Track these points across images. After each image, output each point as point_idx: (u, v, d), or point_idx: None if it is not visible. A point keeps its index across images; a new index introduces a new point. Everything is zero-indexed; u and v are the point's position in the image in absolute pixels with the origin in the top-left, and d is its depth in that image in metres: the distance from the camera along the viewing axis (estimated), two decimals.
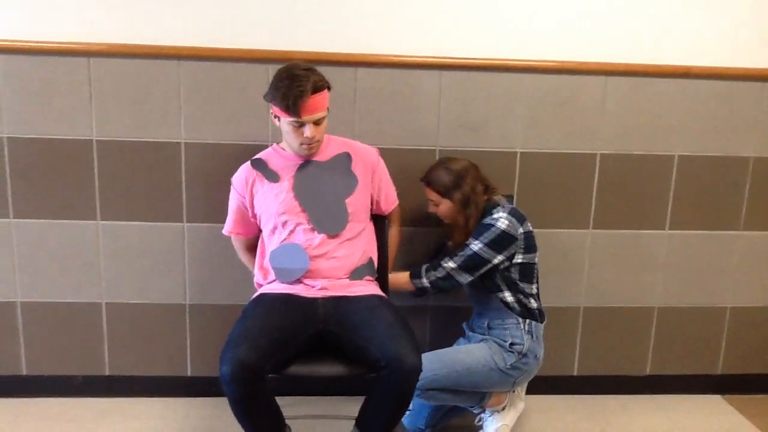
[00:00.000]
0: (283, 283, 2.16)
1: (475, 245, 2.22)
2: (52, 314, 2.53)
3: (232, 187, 2.25)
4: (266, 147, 2.28)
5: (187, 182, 2.43)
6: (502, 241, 2.20)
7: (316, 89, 2.02)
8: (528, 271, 2.27)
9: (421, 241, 2.55)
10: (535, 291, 2.30)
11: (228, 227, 2.29)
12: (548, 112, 2.48)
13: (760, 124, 2.56)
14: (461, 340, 2.43)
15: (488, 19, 2.39)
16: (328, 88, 2.09)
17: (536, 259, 2.29)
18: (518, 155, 2.50)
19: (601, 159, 2.53)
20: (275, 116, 2.10)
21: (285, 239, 2.16)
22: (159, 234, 2.47)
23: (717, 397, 2.80)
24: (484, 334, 2.32)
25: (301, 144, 2.11)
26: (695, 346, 2.77)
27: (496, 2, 2.38)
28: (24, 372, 2.58)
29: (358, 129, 2.43)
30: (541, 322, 2.30)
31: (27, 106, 2.33)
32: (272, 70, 2.31)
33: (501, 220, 2.21)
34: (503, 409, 2.40)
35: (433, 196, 2.30)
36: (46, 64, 2.30)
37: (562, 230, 2.59)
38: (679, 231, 2.63)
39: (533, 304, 2.28)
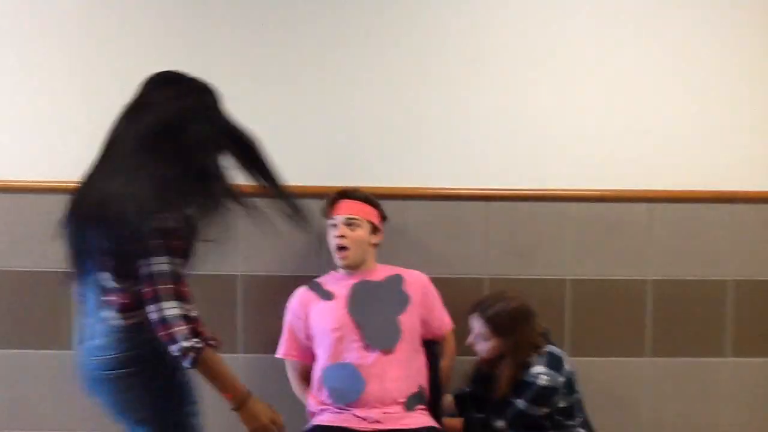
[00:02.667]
0: (336, 409, 2.14)
1: (520, 404, 2.11)
2: None
3: (287, 310, 2.30)
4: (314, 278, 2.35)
5: (243, 313, 2.49)
6: (545, 395, 2.10)
7: (355, 197, 2.27)
8: (570, 410, 2.17)
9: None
10: (577, 423, 2.19)
11: (281, 349, 2.31)
12: (594, 238, 2.50)
13: None
14: None
15: (535, 149, 2.49)
16: (380, 212, 2.30)
17: (579, 396, 2.19)
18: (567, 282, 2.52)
19: (654, 284, 2.52)
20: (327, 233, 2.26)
21: (338, 357, 2.16)
22: None
23: None
24: None
25: (334, 247, 2.23)
26: None
27: (544, 133, 2.49)
28: None
29: (408, 259, 2.46)
30: None
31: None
32: (320, 203, 2.42)
33: (541, 377, 2.10)
34: None
35: (483, 329, 2.19)
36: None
37: (616, 358, 2.53)
38: (741, 358, 2.55)
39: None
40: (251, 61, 2.46)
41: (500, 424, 2.13)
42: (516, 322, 2.14)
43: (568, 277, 2.51)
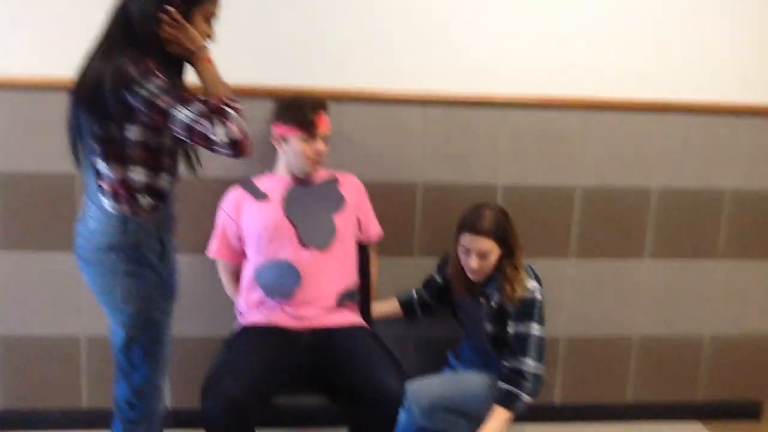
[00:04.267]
0: (266, 309, 2.16)
1: (536, 330, 2.13)
2: (30, 347, 2.50)
3: (220, 209, 2.26)
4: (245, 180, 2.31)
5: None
6: (543, 312, 2.17)
7: (325, 107, 2.19)
8: None
9: (400, 272, 2.55)
10: None
11: (212, 250, 2.29)
12: (531, 145, 2.51)
13: (736, 157, 2.61)
14: (446, 370, 2.42)
15: (470, 55, 2.43)
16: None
17: None
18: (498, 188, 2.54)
19: (583, 192, 2.57)
20: (281, 138, 2.17)
21: (272, 255, 2.16)
22: None
23: (698, 425, 2.82)
24: (477, 368, 2.30)
25: (308, 158, 2.16)
26: (675, 374, 2.79)
27: (478, 39, 2.43)
28: (1, 407, 2.54)
29: (342, 161, 2.42)
30: None
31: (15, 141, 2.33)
32: (257, 106, 2.33)
33: (537, 292, 2.15)
34: None
35: (486, 244, 2.12)
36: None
37: (542, 260, 2.61)
38: (657, 260, 2.67)
39: None
40: None
41: (531, 364, 2.11)
42: (510, 223, 2.16)
43: (500, 183, 2.53)
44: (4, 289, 2.44)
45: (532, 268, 2.23)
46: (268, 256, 2.17)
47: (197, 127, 1.58)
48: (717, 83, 2.54)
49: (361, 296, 2.33)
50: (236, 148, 1.61)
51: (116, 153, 1.66)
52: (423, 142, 2.46)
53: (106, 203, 1.69)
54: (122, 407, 1.85)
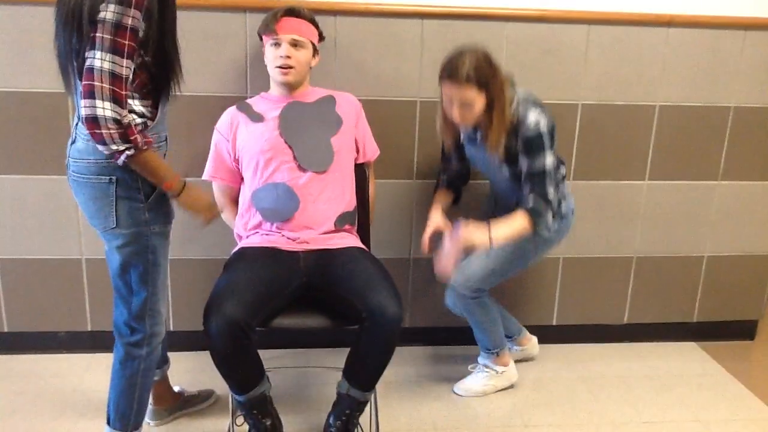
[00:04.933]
0: (264, 232, 2.16)
1: (549, 162, 2.02)
2: (32, 271, 2.51)
3: (215, 131, 2.23)
4: (242, 99, 2.27)
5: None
6: (553, 136, 2.03)
7: (296, 14, 2.14)
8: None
9: (401, 194, 2.54)
10: (563, 170, 2.24)
11: (208, 172, 2.27)
12: (531, 60, 2.45)
13: (742, 74, 2.56)
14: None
15: None
16: (320, 32, 2.20)
17: None
18: None
19: (583, 109, 2.53)
20: (263, 48, 2.16)
21: (269, 178, 2.15)
22: None
23: (692, 344, 2.87)
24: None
25: (275, 66, 2.13)
26: (672, 295, 2.82)
27: None
28: (5, 329, 2.57)
29: (338, 79, 2.38)
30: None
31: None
32: (250, 18, 2.29)
33: (540, 124, 2.00)
34: (502, 372, 2.45)
35: (468, 93, 1.98)
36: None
37: None
38: (658, 181, 2.65)
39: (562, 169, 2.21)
40: None
41: (551, 191, 2.05)
42: (492, 65, 1.99)
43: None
44: (2, 213, 2.43)
45: (528, 95, 2.06)
46: (265, 179, 2.15)
47: (95, 80, 1.50)
48: None
49: (359, 218, 2.32)
50: (93, 126, 1.53)
51: None
52: (421, 57, 2.40)
53: None
54: (122, 330, 1.85)
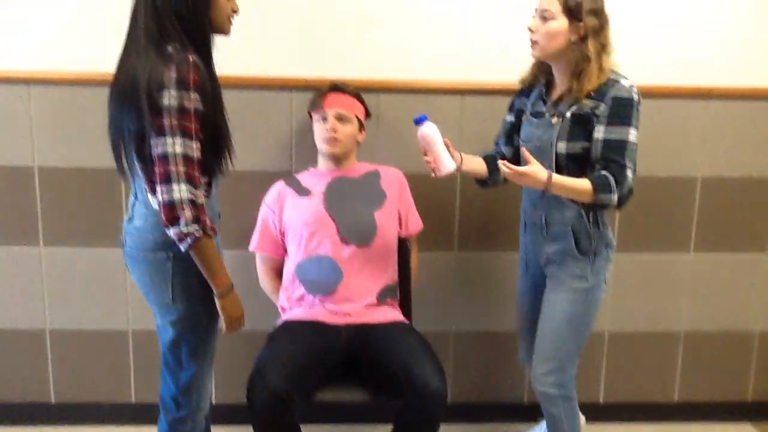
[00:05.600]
0: (308, 305, 2.18)
1: (633, 137, 1.83)
2: (80, 342, 2.55)
3: (263, 204, 2.29)
4: (289, 174, 2.35)
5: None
6: (640, 116, 1.85)
7: (341, 90, 2.23)
8: None
9: (442, 266, 2.54)
10: None
11: (254, 243, 2.31)
12: None
13: None
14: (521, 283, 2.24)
15: (501, 46, 2.41)
16: (366, 108, 2.28)
17: None
18: None
19: None
20: (313, 124, 2.24)
21: (313, 251, 2.18)
22: None
23: (748, 426, 2.74)
24: (540, 229, 2.01)
25: (323, 139, 2.20)
26: (724, 372, 2.72)
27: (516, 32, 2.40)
28: (53, 400, 2.60)
29: (382, 153, 2.44)
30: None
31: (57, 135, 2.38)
32: (295, 97, 2.37)
33: (634, 89, 1.83)
34: None
35: (551, 5, 1.81)
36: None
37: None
38: (703, 253, 2.61)
39: None
40: None
41: (629, 174, 1.83)
42: (599, 3, 1.82)
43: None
44: (54, 285, 2.50)
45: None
46: (309, 252, 2.18)
47: (170, 165, 1.56)
48: (762, 68, 2.48)
49: (401, 291, 2.32)
50: (170, 210, 1.58)
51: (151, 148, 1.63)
52: (462, 132, 2.45)
53: (153, 201, 1.68)
54: (168, 405, 1.85)
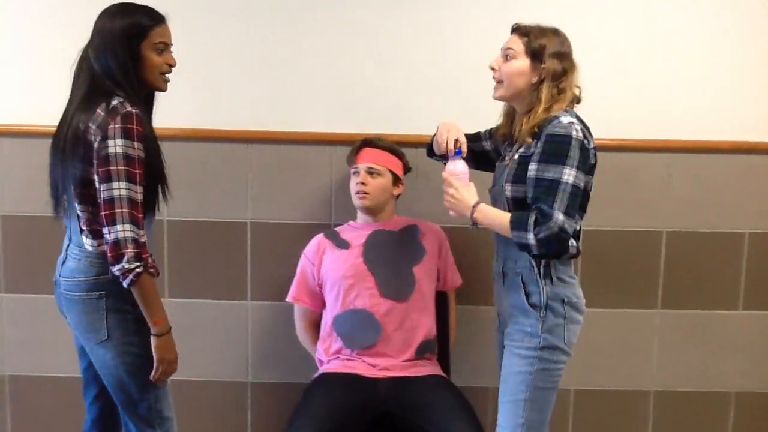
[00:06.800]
0: (345, 357, 2.17)
1: (569, 176, 1.68)
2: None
3: (302, 255, 2.31)
4: (328, 227, 2.37)
5: (252, 261, 2.49)
6: (586, 156, 1.73)
7: (373, 144, 2.25)
8: (585, 203, 1.81)
9: (481, 320, 2.51)
10: (579, 228, 1.82)
11: (292, 294, 2.33)
12: (608, 188, 2.46)
13: None
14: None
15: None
16: (404, 162, 2.29)
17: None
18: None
19: (668, 237, 2.48)
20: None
21: (350, 304, 2.18)
22: (223, 311, 2.51)
23: None
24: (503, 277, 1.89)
25: (355, 192, 2.22)
26: None
27: None
28: None
29: (421, 207, 2.44)
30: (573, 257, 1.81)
31: None
32: (337, 150, 2.41)
33: (574, 126, 1.70)
34: None
35: (515, 44, 1.80)
36: None
37: (628, 310, 2.52)
38: (752, 311, 2.53)
39: (572, 242, 1.76)
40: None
41: (558, 216, 1.65)
42: (567, 55, 1.79)
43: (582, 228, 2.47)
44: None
45: (579, 118, 1.79)
46: (347, 305, 2.19)
47: (116, 208, 1.66)
48: None
49: (439, 345, 2.30)
50: (115, 249, 1.66)
51: (93, 195, 1.72)
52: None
53: (87, 242, 1.77)
54: None
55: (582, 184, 1.71)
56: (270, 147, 2.43)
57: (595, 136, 2.41)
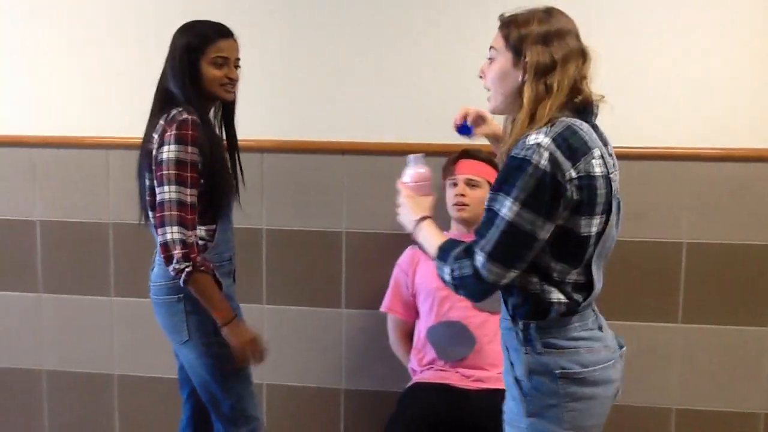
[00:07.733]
0: (439, 367, 2.17)
1: (506, 209, 1.30)
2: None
3: (396, 266, 2.33)
4: None
5: (347, 269, 2.52)
6: (545, 190, 1.29)
7: (472, 156, 2.23)
8: (578, 249, 1.37)
9: None
10: (573, 279, 1.40)
11: (386, 303, 2.35)
12: (717, 201, 2.34)
13: None
14: None
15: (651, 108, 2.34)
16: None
17: (597, 229, 1.37)
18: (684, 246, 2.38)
19: None
20: (443, 191, 2.26)
21: (444, 315, 2.18)
22: (318, 318, 2.56)
23: None
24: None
25: (454, 205, 2.20)
26: None
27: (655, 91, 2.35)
28: None
29: None
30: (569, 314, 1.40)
31: None
32: (430, 162, 2.39)
33: (539, 150, 1.29)
34: None
35: (496, 40, 1.43)
36: None
37: (744, 328, 2.39)
38: None
39: (556, 295, 1.39)
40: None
41: (479, 257, 1.34)
42: (554, 29, 1.36)
43: (684, 240, 2.37)
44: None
45: (578, 132, 1.35)
46: (441, 316, 2.19)
47: (165, 211, 1.74)
48: None
49: None
50: (165, 250, 1.75)
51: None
52: None
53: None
54: None
55: (528, 226, 1.29)
56: (364, 158, 2.46)
57: (700, 146, 2.29)
